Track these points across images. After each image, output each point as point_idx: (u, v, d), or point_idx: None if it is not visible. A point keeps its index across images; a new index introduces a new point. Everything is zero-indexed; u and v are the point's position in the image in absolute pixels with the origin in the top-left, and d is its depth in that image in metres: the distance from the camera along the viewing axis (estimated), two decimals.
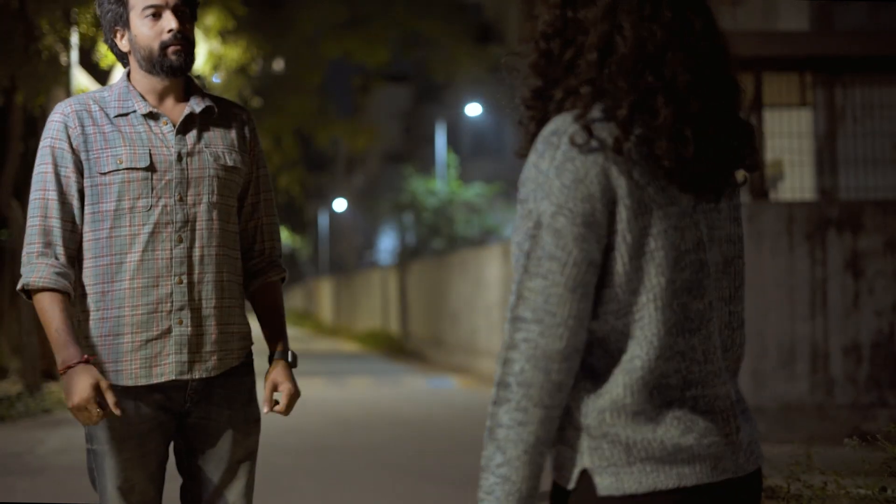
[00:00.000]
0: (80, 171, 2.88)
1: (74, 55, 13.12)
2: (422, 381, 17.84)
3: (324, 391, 15.56)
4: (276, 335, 3.04)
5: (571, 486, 1.80)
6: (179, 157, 2.90)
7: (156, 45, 2.89)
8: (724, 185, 1.85)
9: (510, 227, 30.91)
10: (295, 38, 21.06)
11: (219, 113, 3.01)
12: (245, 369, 3.00)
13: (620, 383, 1.77)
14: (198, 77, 16.26)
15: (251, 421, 2.98)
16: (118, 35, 2.95)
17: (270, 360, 3.03)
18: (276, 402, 2.97)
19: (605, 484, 1.77)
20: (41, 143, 2.91)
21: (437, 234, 28.26)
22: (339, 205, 57.26)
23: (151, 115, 2.93)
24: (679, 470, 1.77)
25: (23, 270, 2.86)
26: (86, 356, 2.79)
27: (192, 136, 2.94)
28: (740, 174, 1.91)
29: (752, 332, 9.56)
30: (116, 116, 2.92)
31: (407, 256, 29.21)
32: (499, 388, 1.76)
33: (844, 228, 9.79)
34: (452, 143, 35.47)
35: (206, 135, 2.96)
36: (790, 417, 9.56)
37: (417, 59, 26.96)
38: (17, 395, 12.25)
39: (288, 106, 22.40)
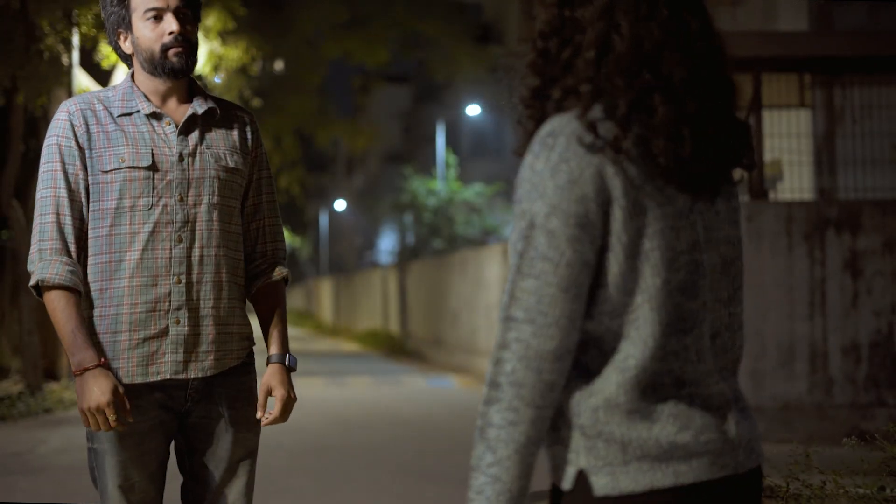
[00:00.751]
0: (85, 169, 2.89)
1: (75, 56, 13.13)
2: (421, 380, 17.84)
3: (324, 391, 15.57)
4: (275, 337, 3.03)
5: (568, 486, 1.79)
6: (181, 158, 2.92)
7: (157, 48, 2.91)
8: (721, 184, 1.86)
9: (510, 227, 30.85)
10: (295, 38, 21.06)
11: (221, 115, 3.03)
12: (246, 369, 3.01)
13: (614, 382, 1.77)
14: (199, 77, 16.27)
15: (251, 420, 2.99)
16: (121, 37, 2.97)
17: (269, 363, 3.02)
18: (270, 411, 2.96)
19: (601, 484, 1.76)
20: (47, 141, 2.92)
21: (437, 234, 28.25)
22: (339, 205, 57.26)
23: (154, 116, 2.95)
24: (676, 467, 1.76)
25: (36, 266, 2.84)
26: (102, 359, 2.80)
27: (194, 136, 2.96)
28: (737, 173, 1.92)
29: (752, 331, 9.58)
30: (120, 116, 2.94)
31: (407, 256, 29.21)
32: (490, 388, 1.76)
33: (843, 228, 9.80)
34: (452, 143, 35.46)
35: (208, 136, 2.98)
36: (789, 417, 9.57)
37: (417, 59, 26.96)
38: (18, 395, 12.26)
39: (288, 106, 22.40)
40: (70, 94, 13.20)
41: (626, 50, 1.78)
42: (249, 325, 3.04)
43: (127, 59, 3.02)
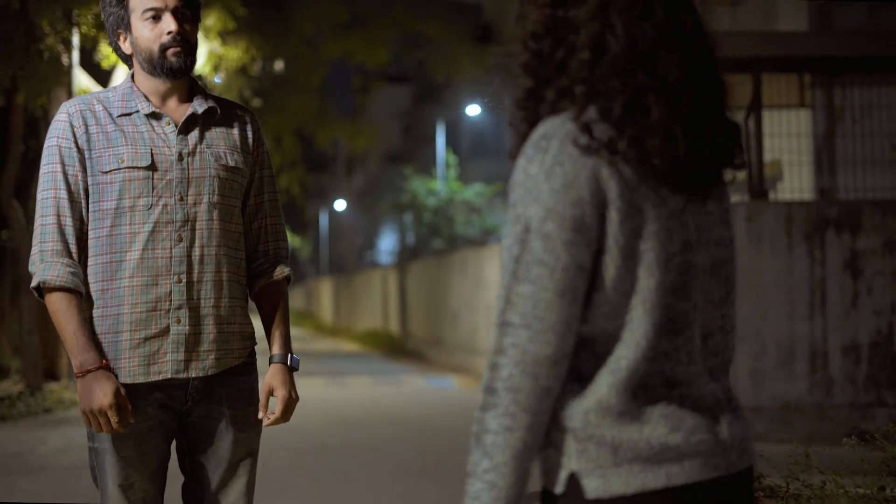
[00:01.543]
0: (85, 170, 2.90)
1: (76, 56, 13.13)
2: (421, 380, 17.85)
3: (324, 391, 15.57)
4: (277, 337, 3.03)
5: (560, 489, 1.78)
6: (180, 157, 2.92)
7: (155, 48, 2.92)
8: (712, 185, 1.85)
9: (505, 230, 30.79)
10: (295, 38, 21.05)
11: (222, 114, 3.03)
12: (247, 368, 3.01)
13: (605, 384, 1.76)
14: (199, 77, 16.27)
15: (252, 420, 2.99)
16: (121, 38, 2.98)
17: (271, 363, 3.01)
18: (272, 412, 2.96)
19: (592, 486, 1.75)
20: (47, 143, 2.93)
21: (437, 234, 28.25)
22: (339, 205, 57.26)
23: (154, 116, 2.95)
24: (668, 469, 1.76)
25: (37, 268, 2.85)
26: (104, 361, 2.81)
27: (193, 136, 2.96)
28: (729, 174, 1.91)
29: (752, 331, 9.58)
30: (119, 116, 2.94)
31: (407, 256, 29.21)
32: (486, 394, 1.75)
33: (843, 228, 9.80)
34: (452, 143, 35.45)
35: (208, 135, 2.98)
36: (789, 417, 9.58)
37: (417, 59, 26.95)
38: (18, 395, 12.26)
39: (288, 106, 22.39)
40: (70, 94, 13.19)
41: (621, 50, 1.77)
42: (251, 324, 3.04)
43: (127, 60, 3.02)
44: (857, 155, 11.51)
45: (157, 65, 2.93)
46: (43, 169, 2.92)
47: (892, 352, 9.68)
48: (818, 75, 11.44)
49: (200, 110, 2.98)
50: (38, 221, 2.89)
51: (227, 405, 2.95)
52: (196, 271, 2.89)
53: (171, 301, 2.87)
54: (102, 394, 2.76)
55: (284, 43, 20.72)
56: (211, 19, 15.09)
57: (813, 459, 5.06)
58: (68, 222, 2.87)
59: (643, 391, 1.77)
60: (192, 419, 2.95)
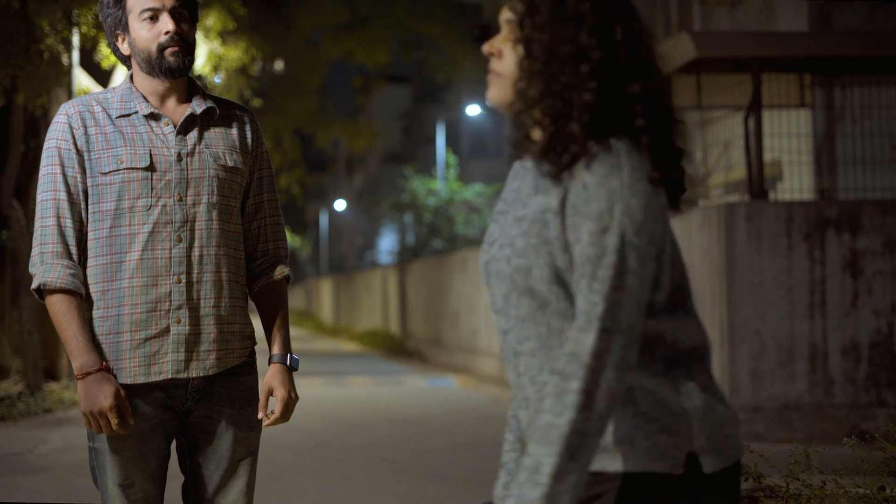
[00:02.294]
0: (84, 172, 2.90)
1: (76, 56, 13.13)
2: (421, 380, 17.85)
3: (324, 391, 15.58)
4: (276, 337, 3.02)
5: (679, 470, 1.88)
6: (179, 158, 2.92)
7: (154, 48, 2.92)
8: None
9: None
10: (295, 38, 21.05)
11: (221, 114, 3.03)
12: (247, 368, 3.01)
13: (700, 370, 1.95)
14: (199, 77, 16.27)
15: (252, 420, 2.99)
16: (119, 39, 2.98)
17: (270, 363, 3.02)
18: (272, 412, 2.97)
19: (709, 462, 1.90)
20: (46, 144, 2.94)
21: (437, 234, 28.26)
22: (339, 205, 57.26)
23: (153, 116, 2.95)
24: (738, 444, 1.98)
25: (37, 270, 2.86)
26: (105, 363, 2.82)
27: (192, 136, 2.96)
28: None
29: (751, 331, 9.58)
30: (118, 117, 2.94)
31: (407, 256, 29.21)
32: (582, 396, 1.81)
33: (843, 228, 9.81)
34: (452, 143, 35.48)
35: (207, 135, 2.98)
36: (789, 417, 9.58)
37: (417, 59, 26.95)
38: (19, 395, 12.26)
39: (288, 106, 22.40)
40: (70, 94, 13.20)
41: (641, 87, 1.92)
42: (251, 324, 3.04)
43: (125, 61, 3.03)
44: (857, 155, 11.51)
45: (155, 65, 2.93)
46: (42, 171, 2.92)
47: (892, 352, 9.69)
48: (818, 75, 11.44)
49: (199, 110, 2.98)
50: (37, 223, 2.90)
51: (228, 405, 2.96)
52: (196, 271, 2.90)
53: (170, 301, 2.87)
54: (103, 396, 2.77)
55: (284, 43, 20.72)
56: (211, 19, 15.08)
57: (813, 459, 5.06)
58: (68, 224, 2.88)
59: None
60: (193, 419, 2.96)
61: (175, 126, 2.95)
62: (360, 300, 35.23)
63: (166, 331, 2.87)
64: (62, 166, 2.90)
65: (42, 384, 12.89)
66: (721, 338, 9.58)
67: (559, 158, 1.89)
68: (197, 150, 2.95)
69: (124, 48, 2.99)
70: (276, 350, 3.02)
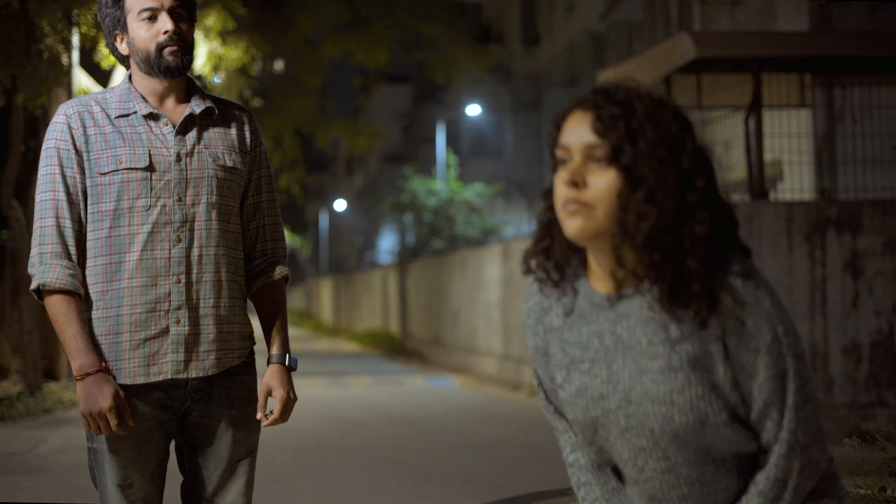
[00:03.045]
0: (83, 172, 2.90)
1: (75, 56, 13.13)
2: (421, 380, 17.85)
3: (324, 391, 15.57)
4: (275, 337, 3.02)
5: None
6: (178, 158, 2.92)
7: (152, 47, 2.92)
8: None
9: (510, 227, 30.90)
10: (295, 38, 21.06)
11: (219, 114, 3.03)
12: (246, 368, 3.01)
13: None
14: (198, 77, 16.27)
15: (251, 420, 2.99)
16: (118, 39, 2.98)
17: (269, 363, 3.01)
18: (271, 412, 2.97)
19: None
20: (45, 144, 2.93)
21: (437, 234, 28.26)
22: (339, 205, 57.27)
23: (152, 116, 2.95)
24: None
25: (37, 270, 2.86)
26: (104, 364, 2.81)
27: (191, 136, 2.96)
28: None
29: None
30: (118, 117, 2.94)
31: (407, 256, 29.21)
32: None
33: (843, 228, 9.80)
34: (452, 143, 35.47)
35: (205, 135, 2.98)
36: None
37: (417, 59, 26.96)
38: (18, 395, 12.26)
39: (288, 106, 22.40)
40: (70, 94, 13.19)
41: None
42: (250, 324, 3.04)
43: (124, 61, 3.02)
44: (858, 155, 11.49)
45: (154, 64, 2.93)
46: (41, 171, 2.92)
47: (892, 352, 9.68)
48: (818, 75, 11.43)
49: (198, 110, 2.98)
50: (37, 223, 2.90)
51: (227, 405, 2.95)
52: (195, 272, 2.90)
53: (170, 302, 2.87)
54: (102, 397, 2.76)
55: (284, 43, 20.72)
56: (211, 19, 15.07)
57: None
58: (67, 224, 2.87)
59: None
60: (192, 419, 2.95)
61: (174, 126, 2.95)
62: (360, 300, 35.23)
63: (166, 331, 2.87)
64: (61, 167, 2.89)
65: (42, 384, 12.88)
66: None
67: (689, 300, 1.87)
68: (196, 151, 2.94)
69: (123, 48, 2.98)
70: (274, 350, 3.02)
